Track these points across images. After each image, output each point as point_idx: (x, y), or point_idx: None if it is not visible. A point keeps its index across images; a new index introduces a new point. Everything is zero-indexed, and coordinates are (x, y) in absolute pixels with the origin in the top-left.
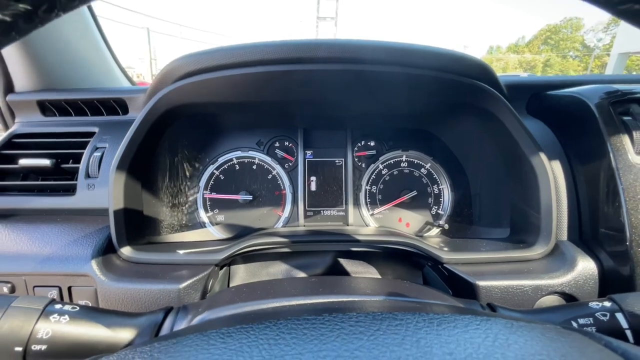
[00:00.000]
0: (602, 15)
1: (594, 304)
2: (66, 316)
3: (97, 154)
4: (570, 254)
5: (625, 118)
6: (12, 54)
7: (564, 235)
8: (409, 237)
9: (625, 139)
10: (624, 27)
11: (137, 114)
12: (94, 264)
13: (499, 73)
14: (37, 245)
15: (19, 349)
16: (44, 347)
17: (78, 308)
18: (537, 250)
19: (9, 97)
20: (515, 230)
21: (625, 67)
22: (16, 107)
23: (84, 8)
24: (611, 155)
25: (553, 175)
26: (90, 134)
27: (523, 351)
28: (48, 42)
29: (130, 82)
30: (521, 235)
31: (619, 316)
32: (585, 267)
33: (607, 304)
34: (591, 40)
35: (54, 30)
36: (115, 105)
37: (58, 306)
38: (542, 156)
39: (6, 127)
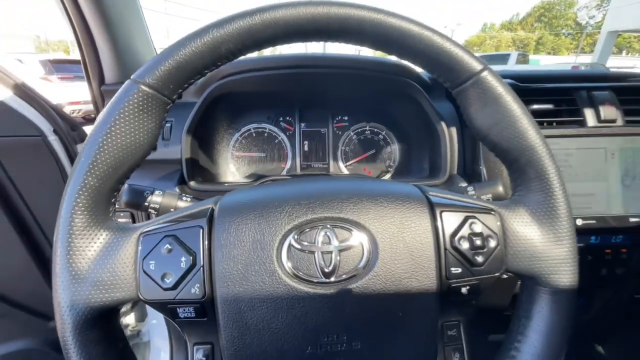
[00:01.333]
0: None
1: None
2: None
3: (168, 124)
4: (457, 182)
5: None
6: (104, 57)
7: (455, 171)
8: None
9: None
10: (616, 4)
11: (189, 98)
12: (177, 189)
13: (491, 52)
14: (138, 180)
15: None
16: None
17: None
18: (439, 180)
19: (102, 88)
20: (430, 171)
21: (615, 44)
22: (106, 94)
23: None
24: None
25: (450, 137)
26: None
27: (367, 183)
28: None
29: None
30: (433, 173)
31: None
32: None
33: None
34: (583, 18)
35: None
36: None
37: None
38: (444, 125)
39: (97, 110)
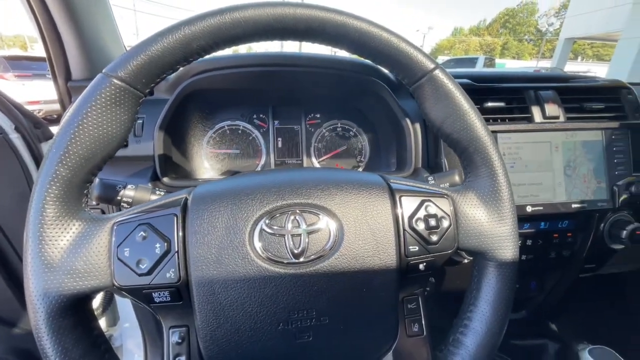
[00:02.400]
0: (555, 0)
1: None
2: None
3: (139, 121)
4: (421, 174)
5: None
6: (71, 53)
7: (420, 164)
8: None
9: None
10: (572, 13)
11: (160, 95)
12: (150, 185)
13: (461, 55)
14: (110, 177)
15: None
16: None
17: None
18: (406, 173)
19: (69, 84)
20: (398, 165)
21: (571, 50)
22: (73, 91)
23: None
24: None
25: (415, 132)
26: None
27: (341, 173)
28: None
29: None
30: (400, 166)
31: None
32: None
33: None
34: (543, 25)
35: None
36: None
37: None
38: (408, 121)
39: (63, 107)
